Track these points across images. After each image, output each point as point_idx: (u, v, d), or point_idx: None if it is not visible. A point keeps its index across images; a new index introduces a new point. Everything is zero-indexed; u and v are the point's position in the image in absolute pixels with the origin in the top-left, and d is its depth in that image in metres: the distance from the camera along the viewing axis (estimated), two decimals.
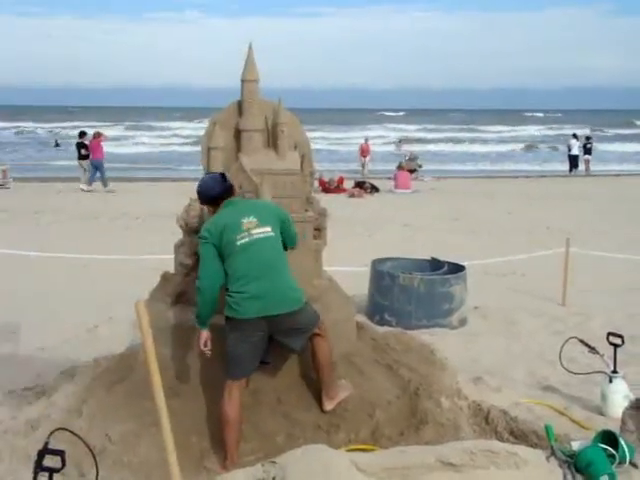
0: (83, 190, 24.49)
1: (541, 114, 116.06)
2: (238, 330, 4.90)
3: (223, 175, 5.23)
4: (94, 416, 5.38)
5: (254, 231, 4.93)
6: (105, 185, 24.98)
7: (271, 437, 5.13)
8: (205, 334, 5.00)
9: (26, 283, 11.00)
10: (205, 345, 5.00)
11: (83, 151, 25.61)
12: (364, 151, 33.98)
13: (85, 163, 25.62)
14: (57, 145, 52.91)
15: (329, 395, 5.29)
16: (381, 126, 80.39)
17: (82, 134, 26.63)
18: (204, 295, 4.90)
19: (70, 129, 65.05)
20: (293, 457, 3.60)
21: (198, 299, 4.96)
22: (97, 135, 26.24)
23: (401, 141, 37.94)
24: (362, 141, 35.51)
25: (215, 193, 5.10)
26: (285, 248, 5.18)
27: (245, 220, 4.94)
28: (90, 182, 25.05)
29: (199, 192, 5.18)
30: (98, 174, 25.19)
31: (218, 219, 5.01)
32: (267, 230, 4.98)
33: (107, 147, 27.92)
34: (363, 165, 33.67)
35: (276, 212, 5.18)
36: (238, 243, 4.89)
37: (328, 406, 5.28)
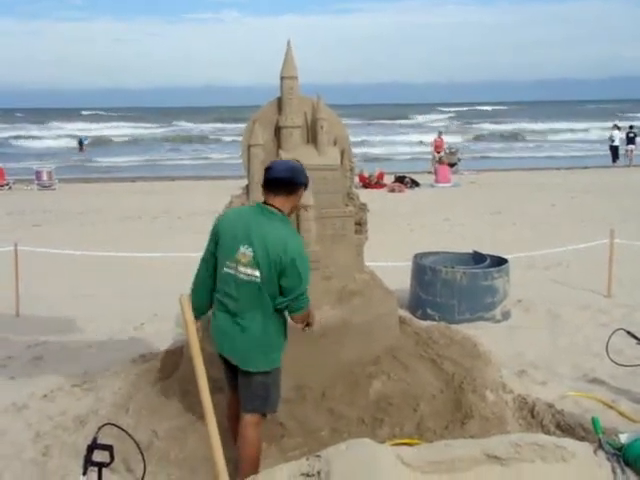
0: None
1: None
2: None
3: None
4: (140, 412, 5.47)
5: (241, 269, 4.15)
6: None
7: (316, 432, 5.14)
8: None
9: (72, 282, 11.18)
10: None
11: None
12: (437, 146, 32.56)
13: None
14: (81, 149, 49.47)
15: None
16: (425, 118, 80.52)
17: None
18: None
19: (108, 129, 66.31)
20: (338, 451, 3.60)
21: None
22: None
23: (441, 133, 37.31)
24: (435, 136, 34.14)
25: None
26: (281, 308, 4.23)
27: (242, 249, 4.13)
28: None
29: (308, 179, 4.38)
30: None
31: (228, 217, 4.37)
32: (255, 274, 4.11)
33: None
34: (438, 160, 31.22)
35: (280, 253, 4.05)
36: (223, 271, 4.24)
37: None
